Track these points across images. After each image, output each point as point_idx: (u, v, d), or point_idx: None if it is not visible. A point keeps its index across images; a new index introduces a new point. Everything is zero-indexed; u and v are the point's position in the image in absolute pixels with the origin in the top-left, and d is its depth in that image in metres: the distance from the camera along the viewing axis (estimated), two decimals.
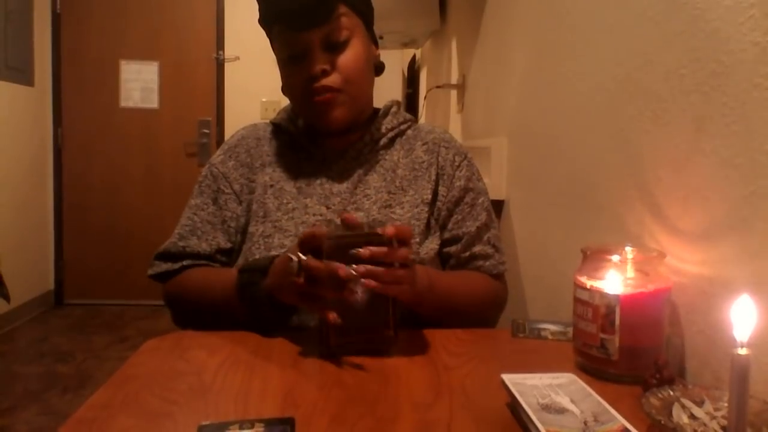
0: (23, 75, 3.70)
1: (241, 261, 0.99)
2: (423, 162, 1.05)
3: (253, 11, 1.00)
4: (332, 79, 0.95)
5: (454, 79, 2.43)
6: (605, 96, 1.07)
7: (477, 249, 1.04)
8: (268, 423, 0.56)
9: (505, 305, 1.08)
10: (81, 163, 4.09)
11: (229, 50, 4.10)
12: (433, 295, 0.89)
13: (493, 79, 1.87)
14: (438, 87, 2.52)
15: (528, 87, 1.53)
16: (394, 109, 1.10)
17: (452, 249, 1.04)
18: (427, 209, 1.01)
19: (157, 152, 4.12)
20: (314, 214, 0.99)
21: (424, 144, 1.07)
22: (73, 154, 4.08)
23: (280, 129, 1.09)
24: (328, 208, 0.99)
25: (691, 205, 0.79)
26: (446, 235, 1.04)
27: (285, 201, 1.00)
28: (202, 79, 4.12)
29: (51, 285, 4.09)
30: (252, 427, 0.56)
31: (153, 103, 4.10)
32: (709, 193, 0.75)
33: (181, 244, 1.01)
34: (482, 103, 2.02)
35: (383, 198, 1.00)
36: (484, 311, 1.02)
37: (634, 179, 0.95)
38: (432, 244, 1.00)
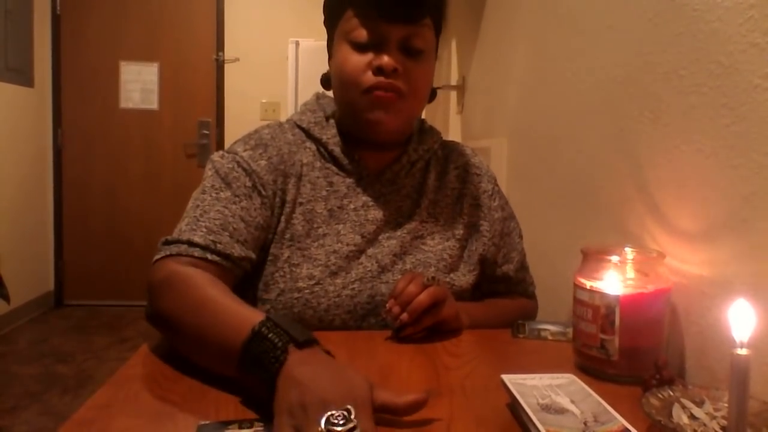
0: (23, 76, 3.70)
1: (262, 285, 0.90)
2: (454, 189, 1.02)
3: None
4: (400, 83, 0.90)
5: (454, 80, 2.43)
6: (605, 96, 1.07)
7: (520, 276, 1.07)
8: (268, 422, 0.56)
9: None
10: (81, 164, 4.08)
11: (228, 51, 4.10)
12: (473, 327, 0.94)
13: (493, 80, 1.88)
14: (438, 88, 2.52)
15: (528, 87, 1.53)
16: (426, 126, 1.05)
17: (500, 287, 1.06)
18: (458, 245, 0.99)
19: (156, 153, 4.12)
20: (348, 244, 0.92)
21: (456, 168, 1.04)
22: (73, 155, 4.08)
23: (309, 136, 0.98)
24: (363, 237, 0.93)
25: (691, 206, 0.79)
26: (497, 272, 1.04)
27: (315, 225, 0.92)
28: (201, 80, 4.12)
29: (51, 286, 4.09)
30: (251, 426, 0.56)
31: (153, 104, 4.10)
32: (708, 193, 0.76)
33: (210, 237, 0.82)
34: (482, 103, 2.02)
35: (415, 227, 0.97)
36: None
37: (634, 179, 0.95)
38: (469, 277, 0.99)
